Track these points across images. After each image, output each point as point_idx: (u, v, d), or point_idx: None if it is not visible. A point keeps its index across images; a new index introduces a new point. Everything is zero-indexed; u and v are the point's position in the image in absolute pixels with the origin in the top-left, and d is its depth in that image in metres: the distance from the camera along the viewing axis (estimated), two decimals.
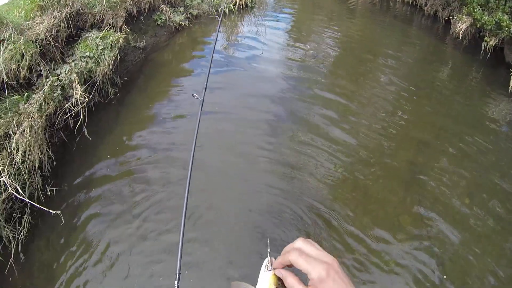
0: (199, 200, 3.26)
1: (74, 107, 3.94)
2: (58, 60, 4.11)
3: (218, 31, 3.21)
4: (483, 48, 6.79)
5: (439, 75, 6.41)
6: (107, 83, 4.54)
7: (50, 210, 2.91)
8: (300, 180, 3.63)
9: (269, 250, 0.65)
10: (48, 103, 3.73)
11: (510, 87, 5.62)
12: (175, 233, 2.99)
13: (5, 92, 3.48)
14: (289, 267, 0.59)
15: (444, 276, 2.86)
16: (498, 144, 4.50)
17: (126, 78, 4.92)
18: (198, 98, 2.25)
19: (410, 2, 10.02)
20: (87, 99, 4.07)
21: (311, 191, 3.51)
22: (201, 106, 2.21)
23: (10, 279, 2.60)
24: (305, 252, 0.55)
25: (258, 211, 3.26)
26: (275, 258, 0.61)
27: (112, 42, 4.69)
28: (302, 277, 0.56)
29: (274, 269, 0.60)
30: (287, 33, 7.49)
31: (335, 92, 5.22)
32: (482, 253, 3.07)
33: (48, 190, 3.23)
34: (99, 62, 4.45)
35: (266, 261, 0.63)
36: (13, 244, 2.73)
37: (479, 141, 4.44)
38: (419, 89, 5.65)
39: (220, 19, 3.83)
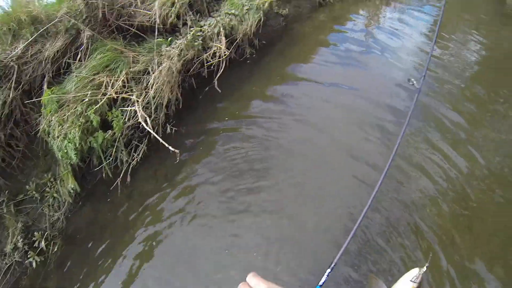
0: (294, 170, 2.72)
1: (212, 58, 3.85)
2: (205, 13, 4.13)
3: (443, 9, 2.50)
4: None
5: None
6: (246, 43, 4.36)
7: (171, 148, 2.77)
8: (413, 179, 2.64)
9: (427, 265, 0.68)
10: (187, 50, 3.73)
11: None
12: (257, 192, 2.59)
13: (153, 33, 3.62)
14: None
15: None
16: None
17: (264, 42, 4.66)
18: (414, 84, 2.07)
19: None
20: (227, 53, 3.93)
21: (419, 198, 2.52)
22: (417, 95, 2.02)
23: (110, 197, 2.52)
24: None
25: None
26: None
27: (258, 4, 4.50)
28: None
29: (420, 282, 0.62)
30: (430, 27, 6.01)
31: (471, 103, 3.67)
32: None
33: (168, 128, 3.14)
34: (242, 22, 4.30)
35: (416, 272, 0.66)
36: (125, 166, 2.66)
37: None
38: None
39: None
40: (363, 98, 3.64)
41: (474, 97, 3.89)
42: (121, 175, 2.60)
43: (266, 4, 4.61)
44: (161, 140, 2.86)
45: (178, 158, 2.80)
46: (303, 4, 5.48)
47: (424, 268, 0.62)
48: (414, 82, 2.05)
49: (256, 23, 4.38)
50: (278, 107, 3.65)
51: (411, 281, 0.60)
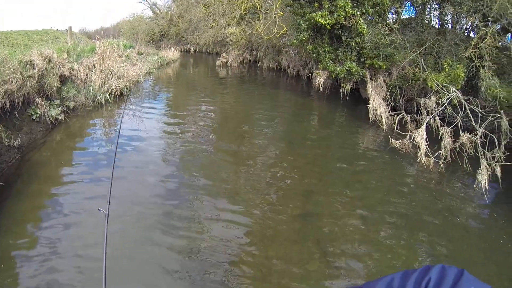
0: None
1: None
2: None
3: (120, 129, 2.89)
4: (341, 93, 8.25)
5: (310, 125, 7.38)
6: None
7: None
8: (198, 255, 3.16)
9: None
10: None
11: (370, 118, 6.76)
12: None
13: None
14: None
15: None
16: (377, 166, 5.31)
17: (1, 183, 3.97)
18: (103, 212, 2.10)
19: (275, 67, 12.03)
20: None
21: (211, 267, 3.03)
22: (106, 220, 2.06)
23: None
24: None
25: None
26: None
27: None
28: None
29: None
30: (165, 115, 7.54)
31: (219, 164, 5.09)
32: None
33: None
34: None
35: None
36: None
37: (359, 169, 5.08)
38: (295, 143, 6.18)
39: (124, 107, 3.65)
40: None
41: (222, 158, 5.32)
42: None
43: None
44: None
45: None
46: (35, 128, 5.07)
47: None
48: (102, 209, 2.10)
49: None
50: (42, 254, 3.00)
51: None
